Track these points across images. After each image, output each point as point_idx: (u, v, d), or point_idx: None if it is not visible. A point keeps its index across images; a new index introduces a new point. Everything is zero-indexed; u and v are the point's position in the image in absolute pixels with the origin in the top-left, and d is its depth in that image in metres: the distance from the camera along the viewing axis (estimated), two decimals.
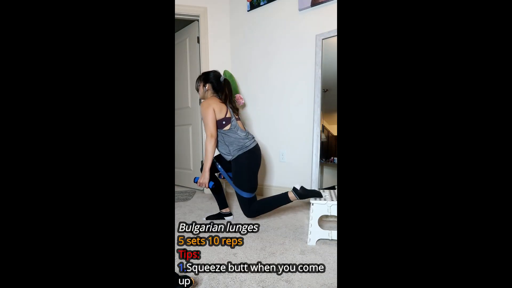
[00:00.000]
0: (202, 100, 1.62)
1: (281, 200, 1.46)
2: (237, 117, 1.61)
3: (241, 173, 1.51)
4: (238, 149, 1.50)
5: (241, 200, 1.52)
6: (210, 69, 1.77)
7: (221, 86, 1.63)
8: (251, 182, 1.52)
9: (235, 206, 1.97)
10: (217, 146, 1.55)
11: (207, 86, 1.62)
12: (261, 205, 1.52)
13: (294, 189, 1.41)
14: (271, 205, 1.51)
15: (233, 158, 1.52)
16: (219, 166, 1.60)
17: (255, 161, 1.55)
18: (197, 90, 1.68)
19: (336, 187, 1.72)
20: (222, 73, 1.70)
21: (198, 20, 2.44)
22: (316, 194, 1.34)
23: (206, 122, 1.48)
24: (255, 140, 1.59)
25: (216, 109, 1.49)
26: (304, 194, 1.37)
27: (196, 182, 1.54)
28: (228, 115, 1.52)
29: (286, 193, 1.44)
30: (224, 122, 1.51)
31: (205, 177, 1.50)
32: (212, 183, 1.54)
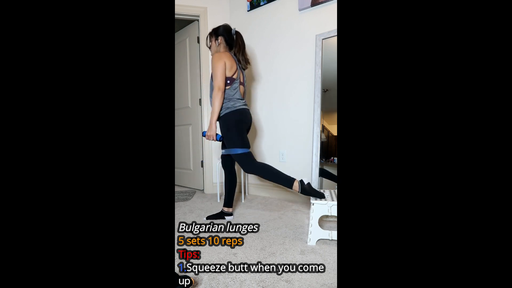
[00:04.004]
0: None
1: (285, 180, 1.44)
2: (242, 81, 1.61)
3: (229, 129, 1.51)
4: (227, 108, 1.52)
5: (238, 157, 1.51)
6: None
7: (233, 39, 1.64)
8: (242, 137, 1.51)
9: (237, 207, 1.97)
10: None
11: (220, 39, 1.61)
12: (265, 168, 1.49)
13: (301, 182, 1.41)
14: (272, 176, 1.47)
15: (221, 115, 1.53)
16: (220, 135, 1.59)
17: (243, 119, 1.54)
18: (209, 47, 1.67)
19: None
20: None
21: (198, 20, 2.44)
22: (319, 196, 1.34)
23: (215, 74, 1.48)
24: (246, 105, 1.59)
25: (227, 64, 1.49)
26: (308, 191, 1.37)
27: (205, 136, 1.56)
28: (234, 76, 1.53)
29: (293, 180, 1.43)
30: (228, 81, 1.51)
31: (212, 129, 1.51)
32: (219, 135, 1.55)
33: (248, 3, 2.31)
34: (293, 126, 2.12)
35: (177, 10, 2.29)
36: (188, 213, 1.83)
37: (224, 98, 1.52)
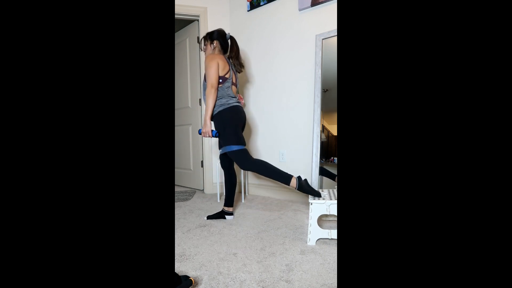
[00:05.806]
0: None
1: (282, 177, 1.46)
2: (234, 82, 1.65)
3: (225, 127, 1.54)
4: (220, 105, 1.55)
5: (234, 154, 1.53)
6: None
7: (228, 44, 1.68)
8: (237, 134, 1.54)
9: (237, 207, 1.97)
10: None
11: (215, 43, 1.66)
12: (262, 164, 1.51)
13: (299, 178, 1.43)
14: (270, 172, 1.49)
15: (215, 113, 1.56)
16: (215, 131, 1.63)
17: (238, 117, 1.57)
18: (204, 51, 1.71)
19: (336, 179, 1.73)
20: None
21: (198, 20, 2.45)
22: (316, 194, 1.35)
23: (208, 73, 1.52)
24: (240, 103, 1.63)
25: (220, 64, 1.54)
26: (305, 188, 1.39)
27: (200, 133, 1.60)
28: (227, 76, 1.57)
29: (290, 176, 1.45)
30: (220, 80, 1.55)
31: (207, 125, 1.55)
32: (215, 131, 1.59)
33: (248, 3, 2.31)
34: (293, 126, 2.12)
35: (177, 10, 2.30)
36: (188, 213, 1.83)
37: (217, 96, 1.55)
